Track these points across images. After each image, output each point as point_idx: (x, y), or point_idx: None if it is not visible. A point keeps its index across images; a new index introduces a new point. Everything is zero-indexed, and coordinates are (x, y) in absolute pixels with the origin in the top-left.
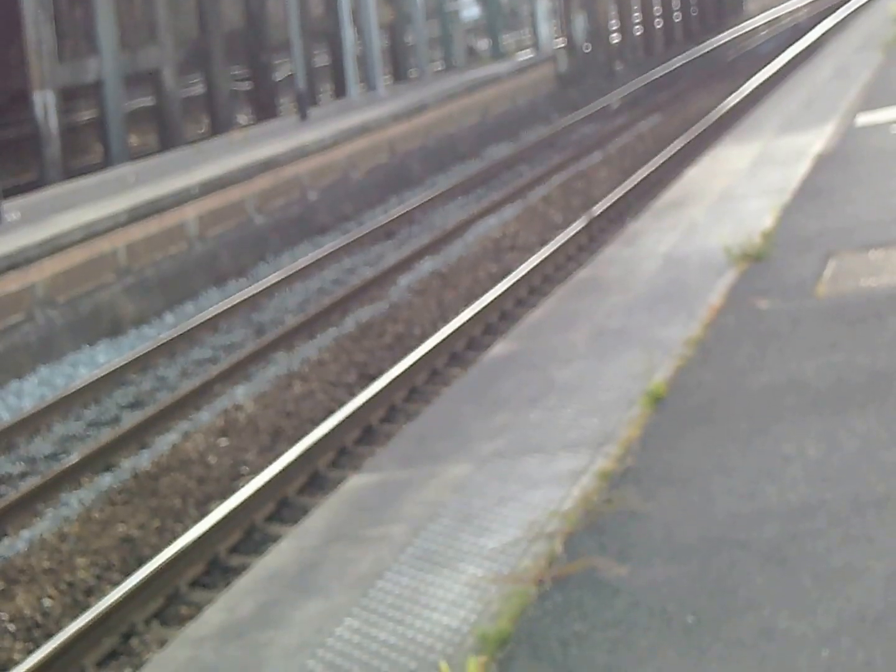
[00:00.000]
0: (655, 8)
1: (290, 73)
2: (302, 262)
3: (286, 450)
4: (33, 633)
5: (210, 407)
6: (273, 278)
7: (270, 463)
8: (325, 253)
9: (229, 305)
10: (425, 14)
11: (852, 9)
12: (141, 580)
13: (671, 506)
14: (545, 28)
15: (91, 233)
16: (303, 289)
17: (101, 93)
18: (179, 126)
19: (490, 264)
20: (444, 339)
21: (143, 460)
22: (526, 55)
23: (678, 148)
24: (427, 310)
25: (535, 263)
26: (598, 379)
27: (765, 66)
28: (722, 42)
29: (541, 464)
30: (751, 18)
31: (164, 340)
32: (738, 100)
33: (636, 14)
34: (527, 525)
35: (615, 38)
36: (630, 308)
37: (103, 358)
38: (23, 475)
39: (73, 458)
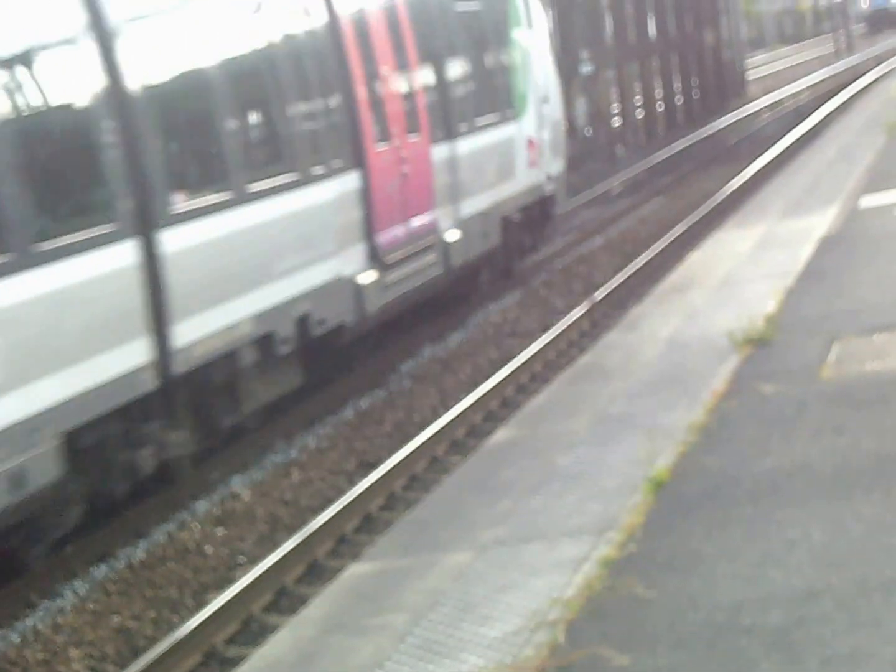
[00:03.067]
0: (657, 91)
1: None
2: None
3: (284, 539)
4: None
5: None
6: None
7: (268, 552)
8: None
9: None
10: None
11: (854, 91)
12: None
13: (675, 592)
14: None
15: None
16: None
17: None
18: None
19: (491, 350)
20: None
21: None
22: None
23: (680, 232)
24: None
25: (535, 350)
26: (600, 465)
27: (767, 148)
28: (724, 125)
29: (543, 551)
30: (753, 101)
31: None
32: (740, 183)
33: (637, 97)
34: (529, 613)
35: (616, 122)
36: (632, 394)
37: None
38: None
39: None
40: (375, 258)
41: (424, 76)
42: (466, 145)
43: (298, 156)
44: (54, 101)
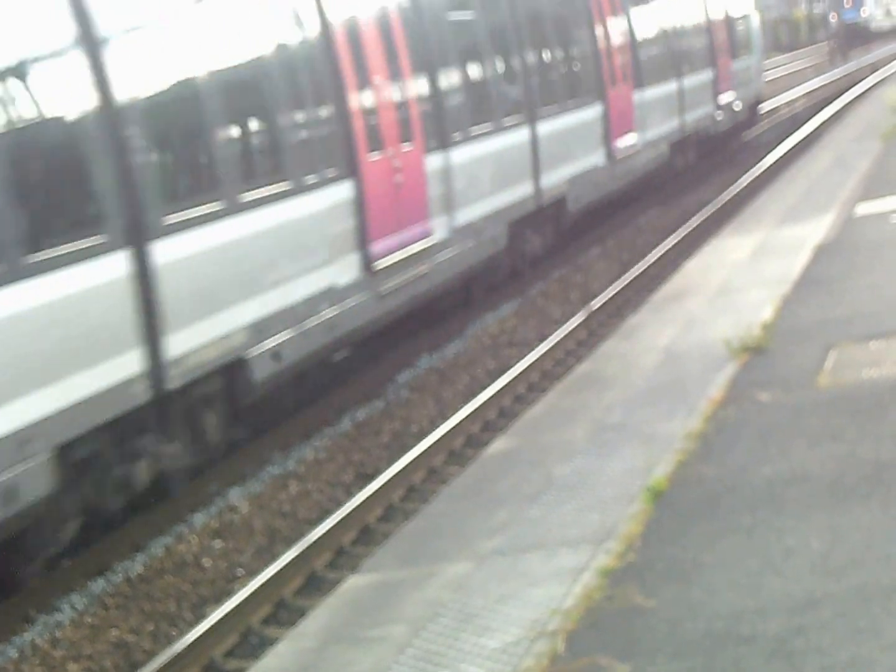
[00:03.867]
0: None
1: None
2: None
3: (283, 551)
4: None
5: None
6: None
7: (267, 564)
8: None
9: None
10: None
11: (850, 99)
12: None
13: (674, 601)
14: None
15: None
16: None
17: None
18: None
19: (489, 360)
20: None
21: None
22: None
23: (677, 240)
24: None
25: (533, 360)
26: (598, 475)
27: (764, 156)
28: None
29: (541, 561)
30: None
31: None
32: (736, 191)
33: None
34: (528, 623)
35: None
36: (630, 403)
37: None
38: None
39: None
40: (369, 268)
41: (419, 84)
42: (462, 154)
43: (291, 166)
44: (44, 113)
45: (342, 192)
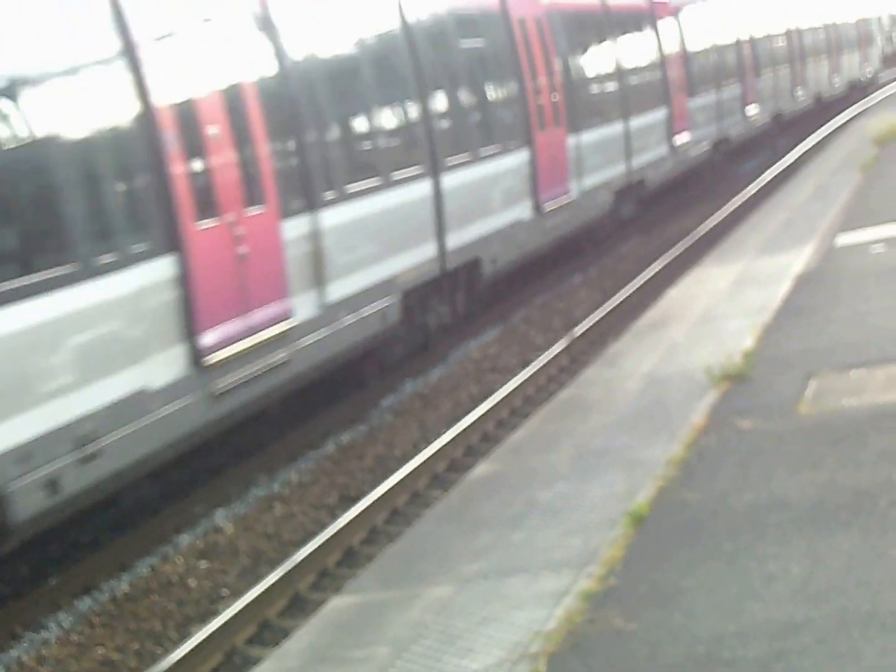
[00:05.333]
0: None
1: None
2: None
3: (267, 572)
4: None
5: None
6: None
7: (251, 585)
8: None
9: None
10: None
11: (830, 130)
12: None
13: (655, 625)
14: None
15: None
16: None
17: None
18: None
19: (472, 385)
20: None
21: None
22: None
23: (658, 269)
24: None
25: (515, 385)
26: (580, 499)
27: (744, 187)
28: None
29: (524, 584)
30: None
31: None
32: (717, 221)
33: None
34: (510, 646)
35: None
36: (612, 429)
37: None
38: None
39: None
40: (198, 363)
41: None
42: (336, 215)
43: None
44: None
45: (158, 270)
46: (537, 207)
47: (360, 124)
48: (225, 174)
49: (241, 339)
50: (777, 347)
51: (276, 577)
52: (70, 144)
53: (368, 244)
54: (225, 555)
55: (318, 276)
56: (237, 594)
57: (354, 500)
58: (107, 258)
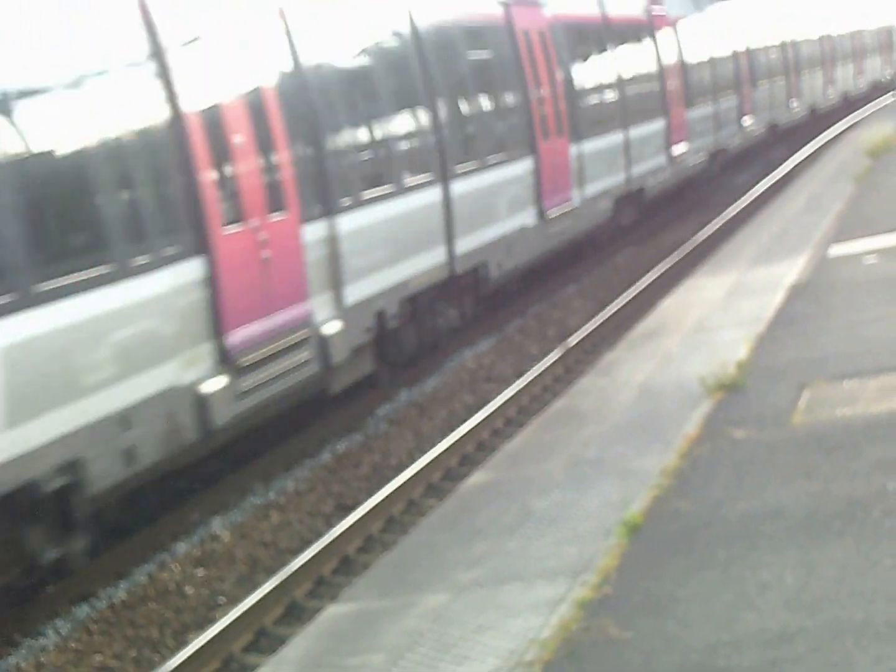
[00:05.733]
0: None
1: None
2: None
3: (264, 580)
4: None
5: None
6: None
7: (248, 593)
8: None
9: None
10: None
11: (823, 142)
12: None
13: (649, 634)
14: None
15: None
16: None
17: None
18: None
19: (467, 395)
20: None
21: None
22: None
23: (653, 279)
24: None
25: (510, 395)
26: (575, 508)
27: (738, 198)
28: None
29: (519, 592)
30: None
31: None
32: (711, 231)
33: None
34: (506, 653)
35: None
36: (606, 438)
37: None
38: None
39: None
40: (227, 361)
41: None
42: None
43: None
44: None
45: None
46: (541, 214)
47: (374, 132)
48: (250, 181)
49: (265, 341)
50: (771, 357)
51: (273, 585)
52: (110, 152)
53: (381, 248)
54: (222, 563)
55: (335, 279)
56: (234, 602)
57: (350, 508)
58: (142, 259)
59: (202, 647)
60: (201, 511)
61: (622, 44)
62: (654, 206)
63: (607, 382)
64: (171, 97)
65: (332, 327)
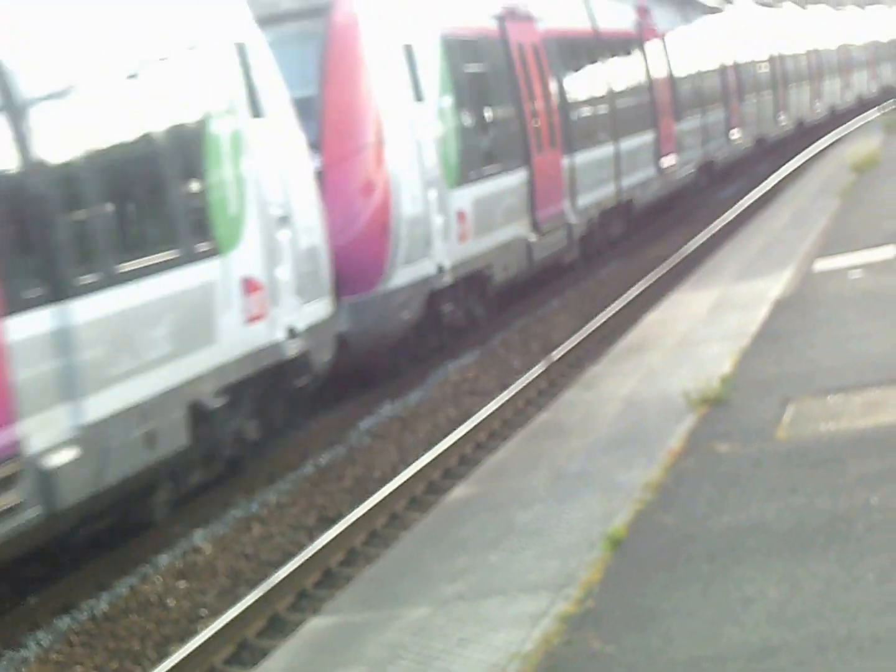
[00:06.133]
0: None
1: None
2: None
3: (246, 592)
4: None
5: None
6: None
7: (230, 605)
8: None
9: None
10: None
11: (808, 157)
12: None
13: (632, 648)
14: None
15: None
16: None
17: None
18: None
19: (450, 408)
20: None
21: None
22: None
23: (637, 293)
24: None
25: (494, 408)
26: (558, 522)
27: (723, 212)
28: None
29: (501, 606)
30: None
31: None
32: (696, 245)
33: None
34: (488, 667)
35: None
36: (590, 452)
37: None
38: None
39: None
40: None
41: None
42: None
43: None
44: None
45: None
46: (536, 224)
47: None
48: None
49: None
50: (755, 372)
51: (255, 598)
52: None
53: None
54: (204, 575)
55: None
56: (216, 614)
57: (333, 521)
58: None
59: (184, 659)
60: (183, 523)
61: (612, 57)
62: (639, 221)
63: (591, 396)
64: None
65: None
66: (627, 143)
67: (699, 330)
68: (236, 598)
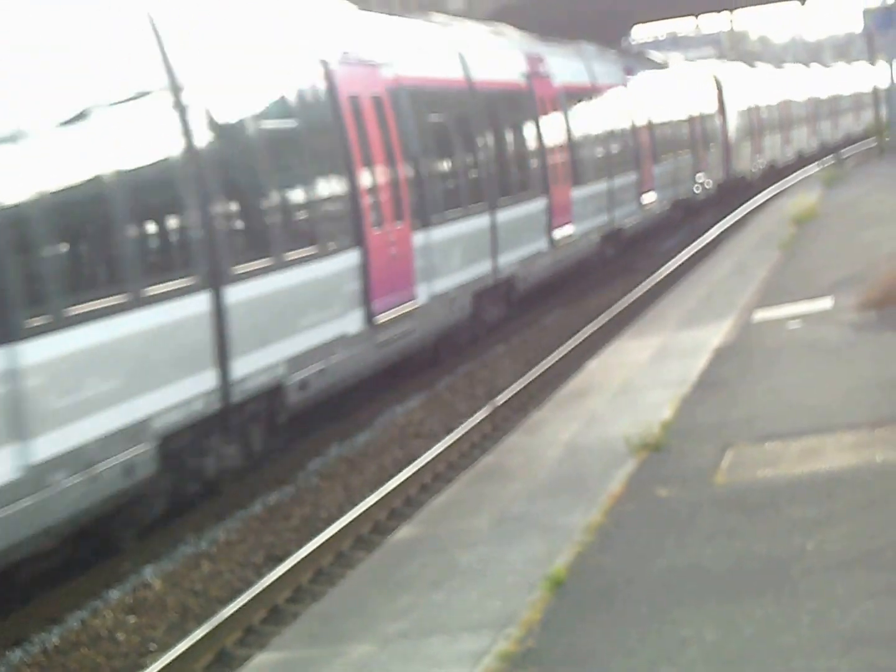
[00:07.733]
0: None
1: None
2: None
3: (194, 628)
4: None
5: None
6: None
7: (178, 640)
8: None
9: None
10: None
11: (749, 210)
12: None
13: None
14: None
15: None
16: None
17: None
18: None
19: (396, 451)
20: None
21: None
22: None
23: (580, 341)
24: None
25: (439, 451)
26: (500, 563)
27: (664, 263)
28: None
29: (444, 644)
30: None
31: None
32: (637, 296)
33: None
34: None
35: None
36: (532, 495)
37: None
38: None
39: None
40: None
41: None
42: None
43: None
44: None
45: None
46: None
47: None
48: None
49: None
50: (694, 419)
51: (203, 633)
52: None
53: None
54: (153, 610)
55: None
56: (165, 649)
57: (280, 559)
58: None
59: None
60: (133, 559)
61: (489, 113)
62: (580, 270)
63: (534, 440)
64: None
65: None
66: (507, 214)
67: (641, 377)
68: (185, 633)
